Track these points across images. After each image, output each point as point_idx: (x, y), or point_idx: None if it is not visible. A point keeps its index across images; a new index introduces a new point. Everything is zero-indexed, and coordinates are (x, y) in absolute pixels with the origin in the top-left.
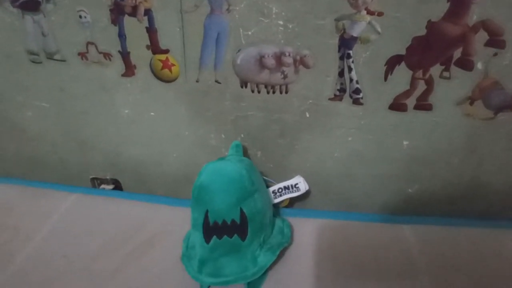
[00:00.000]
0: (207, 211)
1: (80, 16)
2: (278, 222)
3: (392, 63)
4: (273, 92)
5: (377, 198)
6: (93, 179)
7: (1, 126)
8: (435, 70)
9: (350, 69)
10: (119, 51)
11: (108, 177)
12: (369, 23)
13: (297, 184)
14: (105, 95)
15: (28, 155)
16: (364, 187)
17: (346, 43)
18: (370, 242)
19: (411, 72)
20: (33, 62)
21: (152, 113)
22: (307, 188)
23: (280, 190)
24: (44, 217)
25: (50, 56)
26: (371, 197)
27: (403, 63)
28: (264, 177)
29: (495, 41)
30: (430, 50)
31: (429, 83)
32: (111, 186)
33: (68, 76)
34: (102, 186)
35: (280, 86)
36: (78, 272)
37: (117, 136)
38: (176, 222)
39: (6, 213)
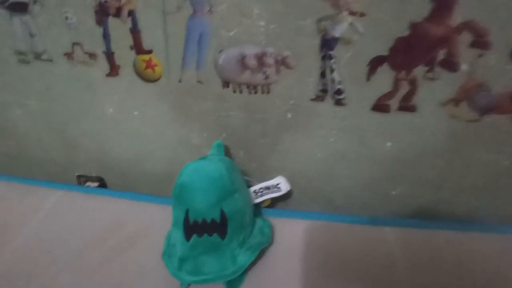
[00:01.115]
0: (187, 210)
1: (66, 18)
2: (258, 222)
3: (374, 63)
4: (255, 93)
5: (360, 200)
6: (78, 177)
7: None
8: (419, 71)
9: (332, 70)
10: (103, 52)
11: (93, 175)
12: (351, 23)
13: (278, 184)
14: (90, 94)
15: (15, 152)
16: (346, 188)
17: (327, 44)
18: (352, 243)
19: (394, 73)
20: (21, 62)
21: (135, 112)
22: (289, 188)
23: (261, 190)
24: (30, 213)
25: (37, 56)
26: (353, 199)
27: (386, 64)
28: (245, 177)
29: (480, 42)
30: (414, 51)
31: (413, 84)
32: (96, 184)
33: (55, 75)
34: (87, 183)
35: (262, 86)
36: (62, 267)
37: (102, 134)
38: (159, 220)
39: None
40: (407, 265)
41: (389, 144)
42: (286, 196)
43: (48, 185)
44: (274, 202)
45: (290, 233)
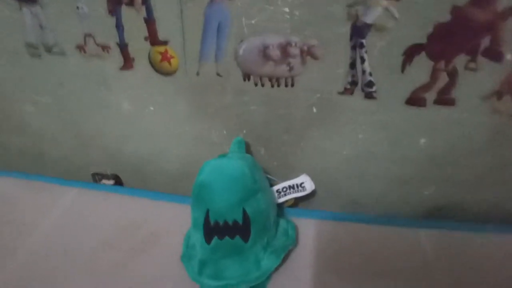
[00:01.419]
0: (207, 211)
1: (77, 7)
2: (282, 223)
3: (410, 52)
4: (278, 86)
5: (389, 200)
6: (94, 174)
7: (3, 122)
8: (459, 60)
9: (362, 60)
10: (117, 43)
11: (108, 173)
12: (386, 8)
13: (302, 183)
14: (104, 89)
15: (29, 149)
16: (375, 188)
17: (359, 32)
18: (381, 246)
19: (432, 63)
20: (32, 56)
21: (151, 108)
22: (313, 187)
23: (284, 190)
24: (45, 211)
25: (48, 50)
26: (381, 199)
27: (423, 53)
28: (268, 176)
29: None
30: (454, 39)
31: (452, 75)
32: (111, 182)
33: (67, 70)
34: (103, 181)
35: (286, 79)
36: (79, 268)
37: (117, 131)
38: (177, 220)
39: (8, 207)
40: (441, 270)
41: (423, 140)
42: (310, 196)
43: (62, 183)
44: (296, 201)
45: (314, 235)
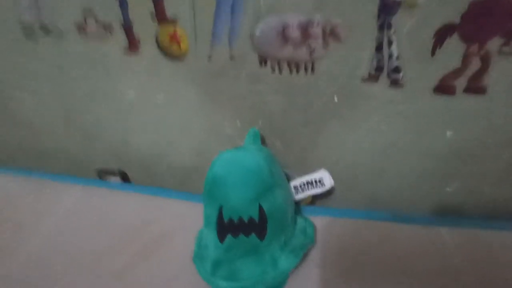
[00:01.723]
0: (221, 207)
1: None
2: (300, 221)
3: (442, 34)
4: (297, 71)
5: (409, 197)
6: (99, 171)
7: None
8: (494, 44)
9: (390, 42)
10: (121, 23)
11: (114, 168)
12: None
13: (321, 178)
14: (106, 75)
15: (27, 143)
16: (395, 184)
17: (387, 9)
18: (402, 245)
19: (464, 46)
20: (28, 37)
21: (159, 97)
22: (333, 183)
23: (302, 186)
24: (47, 210)
25: (45, 31)
26: (402, 195)
27: (455, 35)
28: (285, 170)
29: None
30: (491, 19)
31: (485, 60)
32: (118, 178)
33: (66, 53)
34: (109, 178)
35: (306, 63)
36: (82, 271)
37: (122, 123)
38: (187, 218)
39: (7, 206)
40: (465, 269)
41: (449, 133)
42: (328, 193)
43: (65, 180)
44: (314, 200)
45: (332, 234)
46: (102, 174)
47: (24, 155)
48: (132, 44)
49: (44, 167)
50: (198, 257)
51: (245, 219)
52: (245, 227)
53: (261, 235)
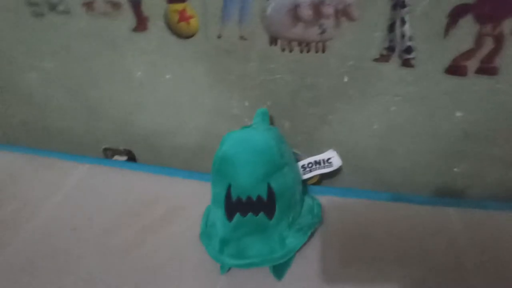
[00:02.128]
0: (229, 186)
1: None
2: (307, 200)
3: (456, 14)
4: (308, 51)
5: (417, 178)
6: (105, 149)
7: (4, 90)
8: (508, 24)
9: (403, 22)
10: (128, 0)
11: (121, 148)
12: None
13: (329, 159)
14: (114, 54)
15: (34, 121)
16: (403, 164)
17: None
18: (409, 225)
19: (478, 26)
20: (34, 15)
21: (167, 76)
22: (341, 163)
23: (310, 165)
24: (53, 188)
25: (52, 8)
26: (409, 176)
27: (469, 15)
28: (293, 150)
29: None
30: None
31: (499, 40)
32: (124, 157)
33: (73, 31)
34: (115, 157)
35: (317, 43)
36: (88, 246)
37: (129, 102)
38: (194, 197)
39: (13, 183)
40: (472, 250)
41: (459, 114)
42: (336, 172)
43: (71, 158)
44: (320, 179)
45: (339, 213)
46: (109, 153)
47: (30, 134)
48: (140, 22)
49: (51, 146)
50: (206, 234)
51: (254, 198)
52: (253, 206)
53: (270, 214)
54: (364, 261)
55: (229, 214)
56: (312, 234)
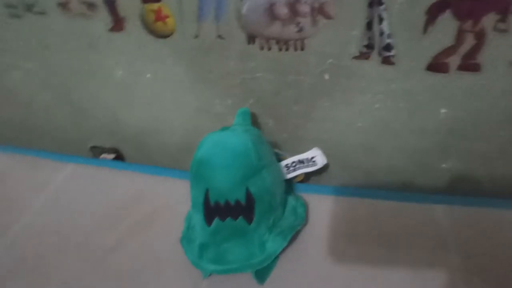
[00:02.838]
0: (207, 190)
1: None
2: (291, 200)
3: (435, 10)
4: (286, 49)
5: (404, 174)
6: (92, 148)
7: None
8: (489, 20)
9: (380, 20)
10: (103, 0)
11: (108, 146)
12: None
13: (313, 157)
14: (94, 54)
15: (18, 121)
16: (390, 161)
17: None
18: (396, 223)
19: (458, 23)
20: (12, 16)
21: (148, 75)
22: (325, 162)
23: (294, 164)
24: (37, 188)
25: (28, 9)
26: (396, 173)
27: (448, 11)
28: (276, 150)
29: None
30: None
31: (480, 37)
32: (112, 156)
33: (51, 31)
34: (103, 155)
35: (295, 41)
36: (73, 248)
37: (113, 100)
38: (179, 196)
39: None
40: (458, 246)
41: (443, 111)
42: (321, 170)
43: (57, 158)
44: (307, 176)
45: (325, 212)
46: (96, 152)
47: (15, 133)
48: (117, 22)
49: (36, 145)
50: (186, 239)
51: (232, 202)
52: (232, 210)
53: (249, 218)
54: (351, 259)
55: (208, 219)
56: (295, 236)
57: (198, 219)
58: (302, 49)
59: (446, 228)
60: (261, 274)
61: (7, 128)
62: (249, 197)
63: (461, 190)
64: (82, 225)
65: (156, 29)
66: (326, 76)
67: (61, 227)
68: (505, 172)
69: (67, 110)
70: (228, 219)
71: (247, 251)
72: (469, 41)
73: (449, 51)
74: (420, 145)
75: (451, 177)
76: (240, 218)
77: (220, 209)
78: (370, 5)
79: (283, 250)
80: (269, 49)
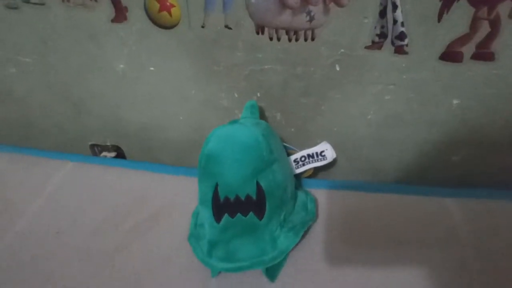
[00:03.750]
0: (216, 185)
1: None
2: (301, 196)
3: None
4: (296, 40)
5: (414, 167)
6: (92, 146)
7: None
8: (504, 7)
9: (394, 7)
10: None
11: (109, 144)
12: None
13: (323, 151)
14: (94, 46)
15: (16, 119)
16: (400, 154)
17: None
18: (408, 217)
19: (473, 10)
20: (8, 7)
21: (151, 68)
22: (335, 156)
23: (303, 159)
24: (37, 188)
25: (26, 0)
26: (407, 166)
27: None
28: (285, 144)
29: None
30: None
31: (495, 25)
32: (113, 154)
33: (50, 23)
34: (103, 153)
35: (305, 31)
36: (73, 250)
37: (115, 96)
38: (184, 194)
39: None
40: (472, 240)
41: (456, 102)
42: (331, 164)
43: (56, 156)
44: (316, 171)
45: (335, 207)
46: (96, 150)
47: (12, 131)
48: (119, 12)
49: (35, 144)
50: (194, 236)
51: (242, 197)
52: (242, 206)
53: (260, 213)
54: (362, 254)
55: (217, 215)
56: (306, 232)
57: (207, 216)
58: (313, 39)
59: (458, 221)
60: (272, 271)
61: (4, 126)
62: (260, 191)
63: (472, 182)
64: (82, 227)
65: (160, 20)
66: (337, 67)
67: (61, 228)
68: None
69: (66, 106)
70: (238, 215)
71: (258, 248)
72: (484, 29)
73: (464, 39)
74: (431, 137)
75: (463, 169)
76: (251, 213)
77: (230, 205)
78: None
79: (293, 246)
80: (278, 39)
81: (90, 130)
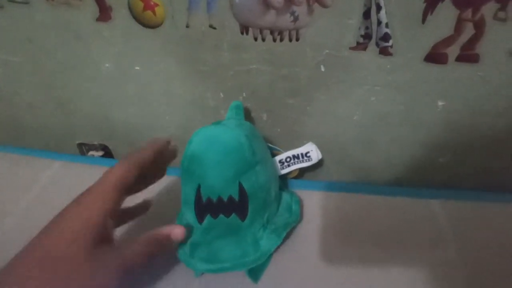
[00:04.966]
0: (199, 186)
1: None
2: (285, 197)
3: None
4: (281, 40)
5: (401, 169)
6: (80, 145)
7: None
8: (488, 9)
9: (379, 8)
10: None
11: (96, 143)
12: None
13: (308, 152)
14: (80, 46)
15: (4, 118)
16: (387, 155)
17: None
18: (393, 219)
19: (457, 12)
20: None
21: (137, 68)
22: (320, 157)
23: (288, 160)
24: (23, 188)
25: None
26: (393, 167)
27: (447, 0)
28: (269, 145)
29: None
30: None
31: (479, 26)
32: (100, 153)
33: (35, 23)
34: (91, 152)
35: (290, 31)
36: None
37: (101, 95)
38: (170, 194)
39: None
40: (458, 243)
41: (441, 103)
42: (317, 165)
43: (43, 155)
44: (302, 172)
45: (320, 208)
46: (84, 149)
47: (1, 131)
48: (103, 11)
49: (22, 142)
50: None
51: (225, 199)
52: (224, 207)
53: (242, 215)
54: (346, 259)
55: (199, 216)
56: (289, 233)
57: (190, 216)
58: (297, 39)
59: (443, 223)
60: (255, 273)
61: None
62: (242, 193)
63: (458, 184)
64: None
65: (144, 19)
66: (322, 68)
67: None
68: (502, 165)
69: (52, 105)
70: (221, 216)
71: (240, 249)
72: (469, 31)
73: (448, 41)
74: (417, 139)
75: (449, 171)
76: (233, 215)
77: (212, 206)
78: None
79: (277, 247)
80: (263, 39)
81: (77, 129)
